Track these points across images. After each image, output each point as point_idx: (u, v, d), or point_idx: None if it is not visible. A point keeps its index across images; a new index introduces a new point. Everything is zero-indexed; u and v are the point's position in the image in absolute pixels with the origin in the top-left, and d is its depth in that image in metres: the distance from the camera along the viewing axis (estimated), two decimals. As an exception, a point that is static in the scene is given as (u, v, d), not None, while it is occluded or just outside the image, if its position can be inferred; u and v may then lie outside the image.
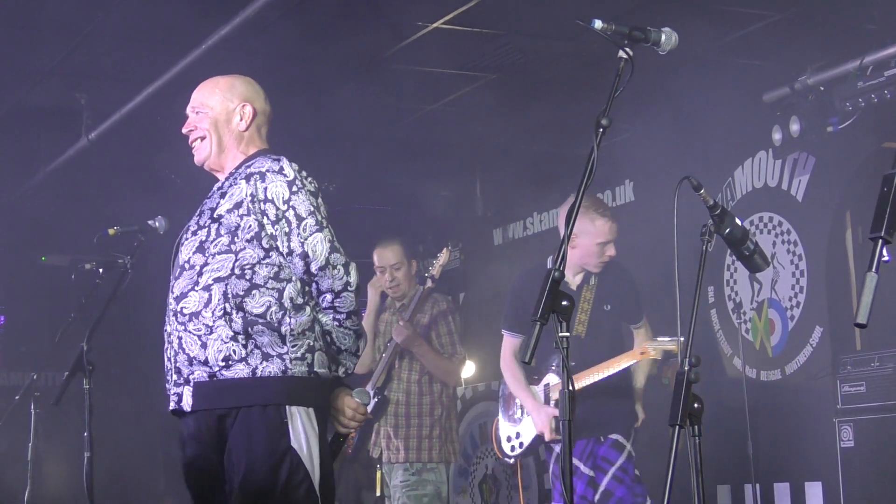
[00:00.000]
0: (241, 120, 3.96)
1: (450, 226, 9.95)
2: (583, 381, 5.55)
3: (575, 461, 5.64)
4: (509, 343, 5.99)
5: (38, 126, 8.18)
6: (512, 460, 6.04)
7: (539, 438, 5.83)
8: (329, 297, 3.75)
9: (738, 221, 3.66)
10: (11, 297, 10.05)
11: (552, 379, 5.80)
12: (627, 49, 3.25)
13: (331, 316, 3.76)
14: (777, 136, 7.08)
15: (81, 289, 6.07)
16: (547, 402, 5.76)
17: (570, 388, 2.92)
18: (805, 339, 7.30)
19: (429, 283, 6.28)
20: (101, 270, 5.88)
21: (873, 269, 2.33)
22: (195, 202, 4.03)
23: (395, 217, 10.04)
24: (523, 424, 5.94)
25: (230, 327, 3.66)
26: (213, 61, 6.41)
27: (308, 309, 3.75)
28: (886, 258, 2.35)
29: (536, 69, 7.37)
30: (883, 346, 6.44)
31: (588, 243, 5.71)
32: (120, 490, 9.18)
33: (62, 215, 8.95)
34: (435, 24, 6.67)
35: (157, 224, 5.62)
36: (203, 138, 3.97)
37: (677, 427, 3.26)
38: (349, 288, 3.76)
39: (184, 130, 4.02)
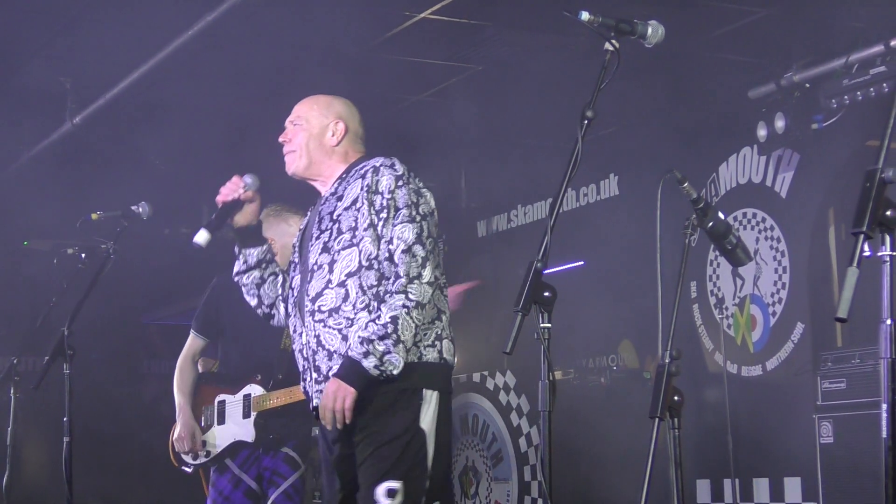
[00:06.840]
0: (332, 135, 4.22)
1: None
2: (283, 399, 5.56)
3: (237, 471, 5.69)
4: (193, 343, 5.90)
5: (21, 110, 8.13)
6: (191, 469, 5.90)
7: (228, 448, 5.73)
8: (404, 280, 3.84)
9: (721, 215, 3.67)
10: (-7, 280, 10.02)
11: (254, 390, 5.70)
12: (614, 41, 3.27)
13: (401, 301, 3.82)
14: (762, 132, 7.09)
15: (63, 273, 6.03)
16: (248, 414, 5.68)
17: (551, 378, 2.92)
18: (786, 335, 7.32)
19: None
20: (83, 255, 5.84)
21: (854, 265, 2.33)
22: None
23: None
24: (212, 433, 5.83)
25: (371, 316, 3.85)
26: (198, 47, 6.39)
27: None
28: (868, 253, 2.35)
29: (523, 61, 7.37)
30: (864, 343, 6.45)
31: (287, 244, 5.33)
32: (98, 475, 9.15)
33: (45, 200, 8.91)
34: (422, 15, 6.65)
35: (140, 209, 5.60)
36: (293, 152, 4.19)
37: (657, 419, 3.28)
38: (421, 279, 3.84)
39: (280, 139, 4.24)
